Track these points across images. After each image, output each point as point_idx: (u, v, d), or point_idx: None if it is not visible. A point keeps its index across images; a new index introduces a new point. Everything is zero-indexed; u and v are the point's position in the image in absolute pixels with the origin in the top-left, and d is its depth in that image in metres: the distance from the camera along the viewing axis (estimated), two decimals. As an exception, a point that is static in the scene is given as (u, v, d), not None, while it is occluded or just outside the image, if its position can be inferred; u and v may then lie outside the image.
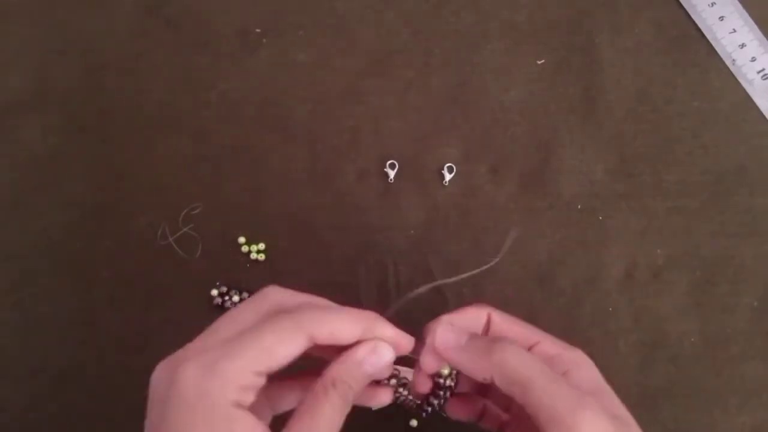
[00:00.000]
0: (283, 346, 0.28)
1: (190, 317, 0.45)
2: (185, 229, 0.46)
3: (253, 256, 0.45)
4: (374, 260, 0.46)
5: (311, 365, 0.32)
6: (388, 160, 0.47)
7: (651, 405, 0.44)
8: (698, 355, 0.44)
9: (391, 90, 0.48)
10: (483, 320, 0.34)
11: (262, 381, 0.28)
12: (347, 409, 0.30)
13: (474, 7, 0.49)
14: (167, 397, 0.27)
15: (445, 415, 0.36)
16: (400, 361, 0.33)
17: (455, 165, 0.47)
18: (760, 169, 0.46)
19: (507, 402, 0.36)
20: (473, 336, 0.32)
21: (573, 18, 0.49)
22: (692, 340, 0.44)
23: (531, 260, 0.46)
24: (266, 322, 0.29)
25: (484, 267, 0.37)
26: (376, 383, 0.33)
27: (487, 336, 0.34)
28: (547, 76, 0.48)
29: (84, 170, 0.47)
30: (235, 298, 0.44)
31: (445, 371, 0.33)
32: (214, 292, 0.45)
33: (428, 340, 0.33)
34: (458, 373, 0.34)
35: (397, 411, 0.33)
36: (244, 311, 0.30)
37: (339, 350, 0.31)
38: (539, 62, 0.48)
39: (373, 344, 0.31)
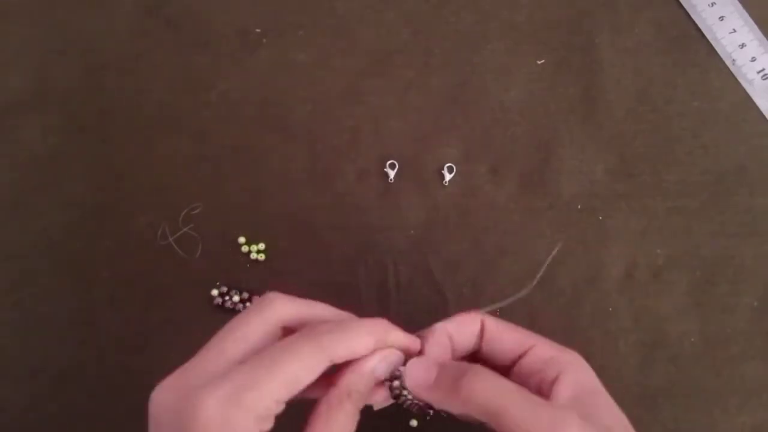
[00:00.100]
0: (308, 373, 0.28)
1: (190, 317, 0.45)
2: (185, 229, 0.46)
3: (253, 256, 0.45)
4: (374, 260, 0.46)
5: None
6: (388, 160, 0.47)
7: (651, 405, 0.44)
8: (698, 355, 0.44)
9: (391, 90, 0.48)
10: (477, 327, 0.34)
11: (282, 407, 0.28)
12: (358, 416, 0.30)
13: (474, 7, 0.49)
14: (185, 427, 0.26)
15: (445, 416, 0.36)
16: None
17: (455, 165, 0.47)
18: (760, 169, 0.46)
19: None
20: (443, 368, 0.31)
21: (573, 18, 0.49)
22: (692, 340, 0.44)
23: (531, 260, 0.45)
24: (288, 349, 0.28)
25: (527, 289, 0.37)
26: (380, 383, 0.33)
27: (459, 363, 0.33)
28: (547, 76, 0.48)
29: (84, 170, 0.47)
30: (236, 298, 0.44)
31: None
32: (215, 292, 0.45)
33: (423, 348, 0.33)
34: None
35: (397, 411, 0.33)
36: (251, 325, 0.30)
37: None
38: (539, 62, 0.48)
39: (385, 353, 0.31)
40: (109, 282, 0.45)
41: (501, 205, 0.46)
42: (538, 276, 0.38)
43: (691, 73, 0.48)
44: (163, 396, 0.28)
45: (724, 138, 0.47)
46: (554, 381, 0.31)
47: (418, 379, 0.32)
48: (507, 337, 0.34)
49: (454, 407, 0.30)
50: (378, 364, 0.31)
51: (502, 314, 0.42)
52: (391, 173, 0.47)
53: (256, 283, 0.45)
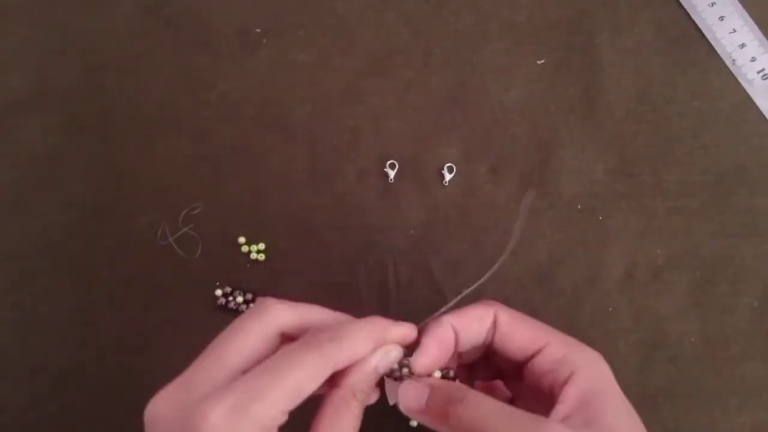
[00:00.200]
0: (312, 382, 0.28)
1: (190, 317, 0.45)
2: (185, 229, 0.46)
3: (253, 256, 0.45)
4: (374, 260, 0.46)
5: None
6: (388, 160, 0.47)
7: (651, 405, 0.44)
8: (698, 355, 0.44)
9: (391, 90, 0.48)
10: (489, 321, 0.33)
11: (286, 417, 0.28)
12: (362, 412, 0.31)
13: (474, 7, 0.49)
14: None
15: None
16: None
17: (455, 165, 0.47)
18: (760, 169, 0.46)
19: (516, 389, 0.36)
20: (433, 390, 0.31)
21: (573, 18, 0.49)
22: (692, 340, 0.44)
23: (531, 260, 0.45)
24: (290, 358, 0.28)
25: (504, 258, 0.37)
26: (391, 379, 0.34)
27: (449, 385, 0.32)
28: (547, 76, 0.48)
29: (84, 170, 0.47)
30: (239, 299, 0.44)
31: (437, 374, 0.33)
32: (218, 292, 0.45)
33: (422, 341, 0.33)
34: (456, 369, 0.34)
35: (397, 411, 0.33)
36: (250, 333, 0.30)
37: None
38: (539, 62, 0.48)
39: (386, 349, 0.32)
40: (109, 282, 0.45)
41: (501, 205, 0.46)
42: (511, 245, 0.37)
43: (691, 73, 0.48)
44: (162, 408, 0.27)
45: (724, 138, 0.47)
46: (565, 382, 0.31)
47: (410, 402, 0.32)
48: (520, 335, 0.33)
49: (445, 430, 0.30)
50: (380, 362, 0.31)
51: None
52: (391, 173, 0.47)
53: (256, 283, 0.45)
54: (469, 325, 0.33)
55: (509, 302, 0.43)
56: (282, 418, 0.27)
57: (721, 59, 0.48)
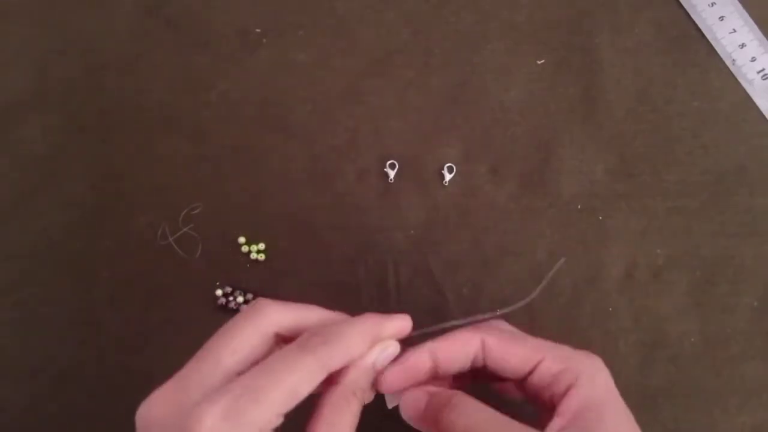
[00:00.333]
0: (307, 385, 0.28)
1: (190, 317, 0.45)
2: (185, 229, 0.46)
3: (253, 256, 0.45)
4: (374, 260, 0.46)
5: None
6: (388, 160, 0.47)
7: (651, 405, 0.44)
8: (698, 355, 0.44)
9: (391, 90, 0.48)
10: (474, 346, 0.33)
11: (282, 420, 0.28)
12: (360, 410, 0.31)
13: (474, 7, 0.49)
14: None
15: None
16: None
17: (455, 165, 0.47)
18: (760, 169, 0.46)
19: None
20: (431, 397, 0.31)
21: (573, 18, 0.49)
22: (692, 340, 0.44)
23: (531, 260, 0.45)
24: (286, 361, 0.28)
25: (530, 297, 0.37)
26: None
27: (444, 392, 0.32)
28: (547, 76, 0.48)
29: (84, 170, 0.47)
30: (240, 299, 0.44)
31: None
32: (219, 292, 0.45)
33: (390, 367, 0.32)
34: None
35: (396, 413, 0.33)
36: (244, 334, 0.29)
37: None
38: (539, 62, 0.48)
39: (383, 346, 0.32)
40: (109, 282, 0.45)
41: (501, 205, 0.46)
42: (536, 292, 0.38)
43: (691, 73, 0.48)
44: (156, 411, 0.27)
45: (724, 138, 0.47)
46: (563, 395, 0.30)
47: (409, 409, 0.32)
48: (512, 355, 0.32)
49: None
50: (377, 358, 0.31)
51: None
52: (391, 173, 0.47)
53: (256, 283, 0.45)
54: (451, 352, 0.33)
55: (510, 303, 0.44)
56: (277, 421, 0.27)
57: (721, 59, 0.48)
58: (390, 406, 0.34)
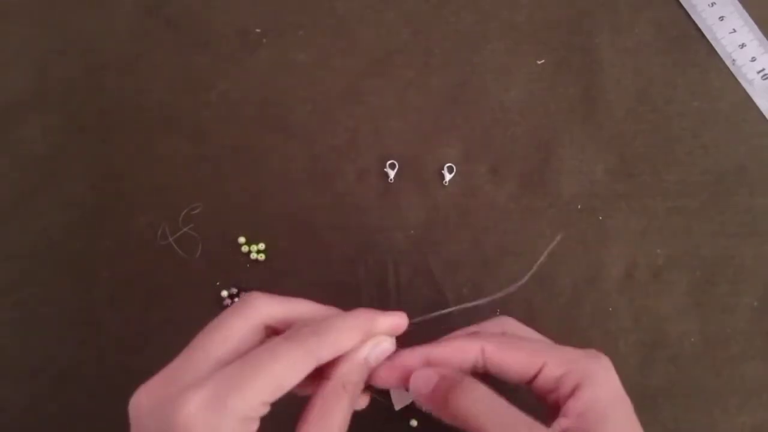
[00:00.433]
0: (293, 375, 0.28)
1: (190, 317, 0.44)
2: (185, 229, 0.46)
3: (253, 256, 0.45)
4: (374, 260, 0.46)
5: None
6: (388, 160, 0.47)
7: (651, 405, 0.44)
8: (698, 355, 0.44)
9: (391, 90, 0.48)
10: (472, 353, 0.32)
11: (268, 408, 0.28)
12: (353, 407, 0.30)
13: (474, 7, 0.49)
14: (167, 430, 0.26)
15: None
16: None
17: (455, 165, 0.47)
18: (760, 169, 0.47)
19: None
20: (441, 378, 0.31)
21: (573, 18, 0.49)
22: (692, 340, 0.44)
23: (531, 260, 0.45)
24: (273, 350, 0.28)
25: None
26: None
27: (455, 375, 0.32)
28: (547, 76, 0.48)
29: (84, 170, 0.47)
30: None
31: None
32: (224, 293, 0.45)
33: (381, 366, 0.32)
34: None
35: (397, 415, 0.33)
36: (234, 326, 0.30)
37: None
38: (539, 62, 0.48)
39: (376, 340, 0.32)
40: (109, 282, 0.45)
41: (501, 205, 0.46)
42: (529, 273, 0.38)
43: (691, 73, 0.48)
44: (145, 399, 0.27)
45: (724, 138, 0.47)
46: (568, 397, 0.30)
47: (419, 387, 0.31)
48: (512, 361, 0.32)
49: (446, 419, 0.30)
50: (370, 353, 0.31)
51: (501, 312, 0.42)
52: (391, 173, 0.47)
53: (256, 283, 0.45)
54: (447, 358, 0.33)
55: (509, 302, 0.44)
56: (263, 410, 0.27)
57: (721, 59, 0.48)
58: (397, 407, 0.33)
